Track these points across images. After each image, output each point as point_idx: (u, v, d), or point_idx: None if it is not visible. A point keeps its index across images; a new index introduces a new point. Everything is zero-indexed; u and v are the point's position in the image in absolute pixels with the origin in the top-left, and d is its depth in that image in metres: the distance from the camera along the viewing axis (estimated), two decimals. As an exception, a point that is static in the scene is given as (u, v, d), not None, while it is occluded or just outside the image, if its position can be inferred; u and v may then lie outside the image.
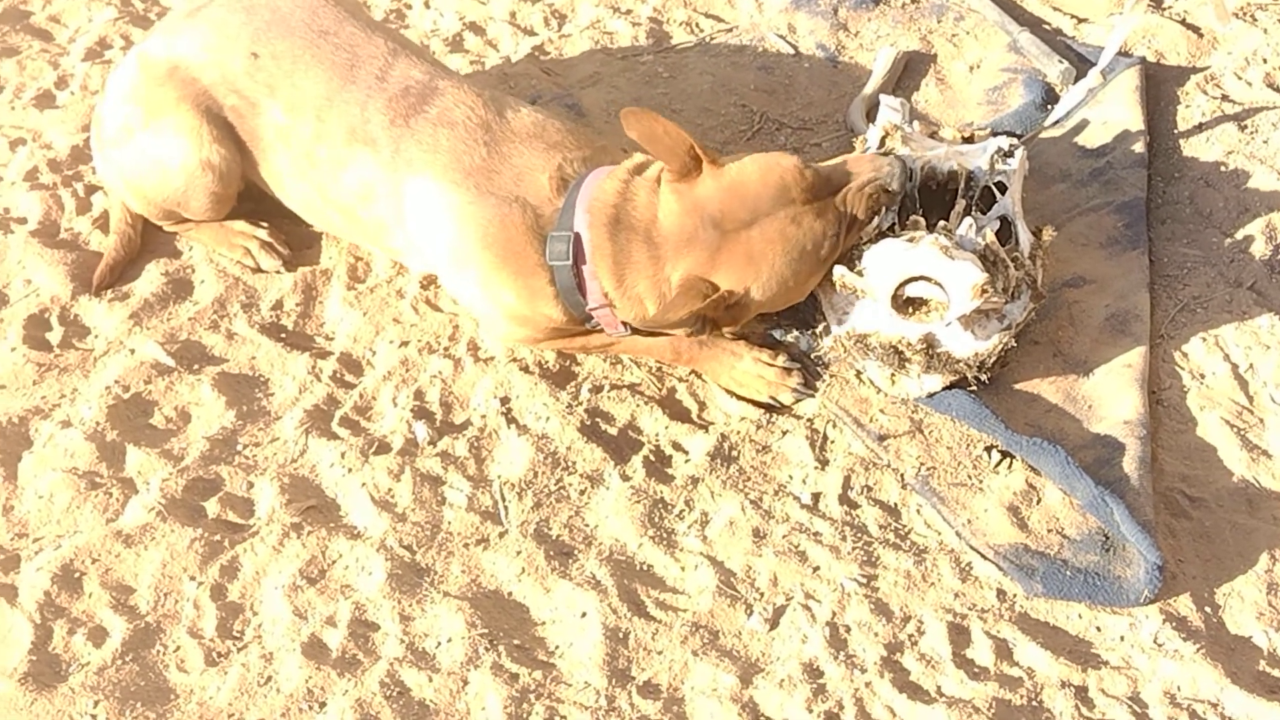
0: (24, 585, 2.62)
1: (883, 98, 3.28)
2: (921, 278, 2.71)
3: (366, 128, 2.88)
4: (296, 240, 3.25)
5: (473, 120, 2.86)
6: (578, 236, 2.73)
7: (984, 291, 2.67)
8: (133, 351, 3.02)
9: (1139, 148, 3.34)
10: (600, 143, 2.95)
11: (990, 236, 2.79)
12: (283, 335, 3.08)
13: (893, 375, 2.80)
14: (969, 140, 3.16)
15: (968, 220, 2.81)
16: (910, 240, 2.74)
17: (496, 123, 2.87)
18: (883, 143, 3.12)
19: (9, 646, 2.55)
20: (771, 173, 2.68)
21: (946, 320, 2.71)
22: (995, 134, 3.25)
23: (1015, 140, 3.15)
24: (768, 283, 2.68)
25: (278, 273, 3.19)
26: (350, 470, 2.81)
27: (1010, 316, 2.77)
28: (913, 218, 2.83)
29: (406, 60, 2.97)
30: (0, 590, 2.62)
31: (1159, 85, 3.55)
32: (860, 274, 2.75)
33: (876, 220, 2.77)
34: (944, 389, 2.80)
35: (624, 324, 2.81)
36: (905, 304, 2.75)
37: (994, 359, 2.78)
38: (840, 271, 2.77)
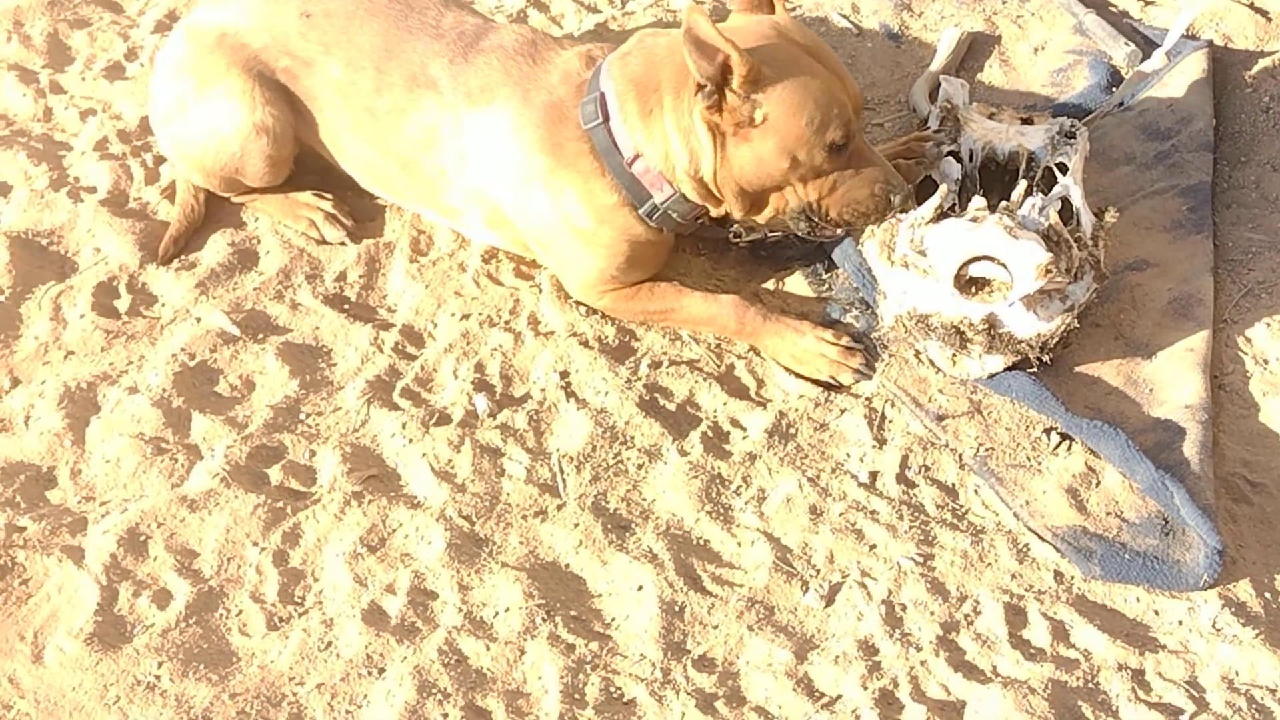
0: (91, 547, 2.67)
1: (943, 79, 3.28)
2: (985, 257, 2.70)
3: (427, 71, 2.93)
4: (360, 213, 3.28)
5: (521, 40, 2.95)
6: (603, 94, 2.79)
7: (1048, 271, 2.66)
8: (199, 320, 3.06)
9: (1205, 131, 3.31)
10: None
11: (1054, 216, 2.78)
12: (346, 306, 3.11)
13: (954, 355, 2.80)
14: (1028, 122, 3.15)
15: (1030, 200, 2.80)
16: (973, 220, 2.74)
17: (542, 40, 2.97)
18: (943, 123, 3.12)
19: (75, 607, 2.59)
20: (843, 68, 2.76)
21: (1010, 300, 2.70)
22: (1055, 116, 3.23)
23: (1076, 121, 3.13)
24: (786, 92, 2.65)
25: (342, 244, 3.22)
26: (411, 441, 2.84)
27: (1073, 297, 2.76)
28: (974, 198, 2.82)
29: (458, 10, 3.06)
30: (68, 552, 2.66)
31: (1226, 69, 3.52)
32: (923, 253, 2.75)
33: (938, 200, 2.77)
34: (1005, 370, 2.80)
35: (668, 183, 2.82)
36: (968, 284, 2.75)
37: (1056, 340, 2.77)
38: (903, 250, 2.76)
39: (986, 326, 2.74)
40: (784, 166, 2.72)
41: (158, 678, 2.50)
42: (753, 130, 2.69)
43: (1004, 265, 2.69)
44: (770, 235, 3.10)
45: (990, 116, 3.16)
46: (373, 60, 2.98)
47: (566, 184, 2.86)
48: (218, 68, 3.06)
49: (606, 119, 2.80)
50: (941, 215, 2.78)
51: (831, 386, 2.91)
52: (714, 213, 2.90)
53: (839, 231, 2.87)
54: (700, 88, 2.66)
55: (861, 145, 2.76)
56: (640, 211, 2.87)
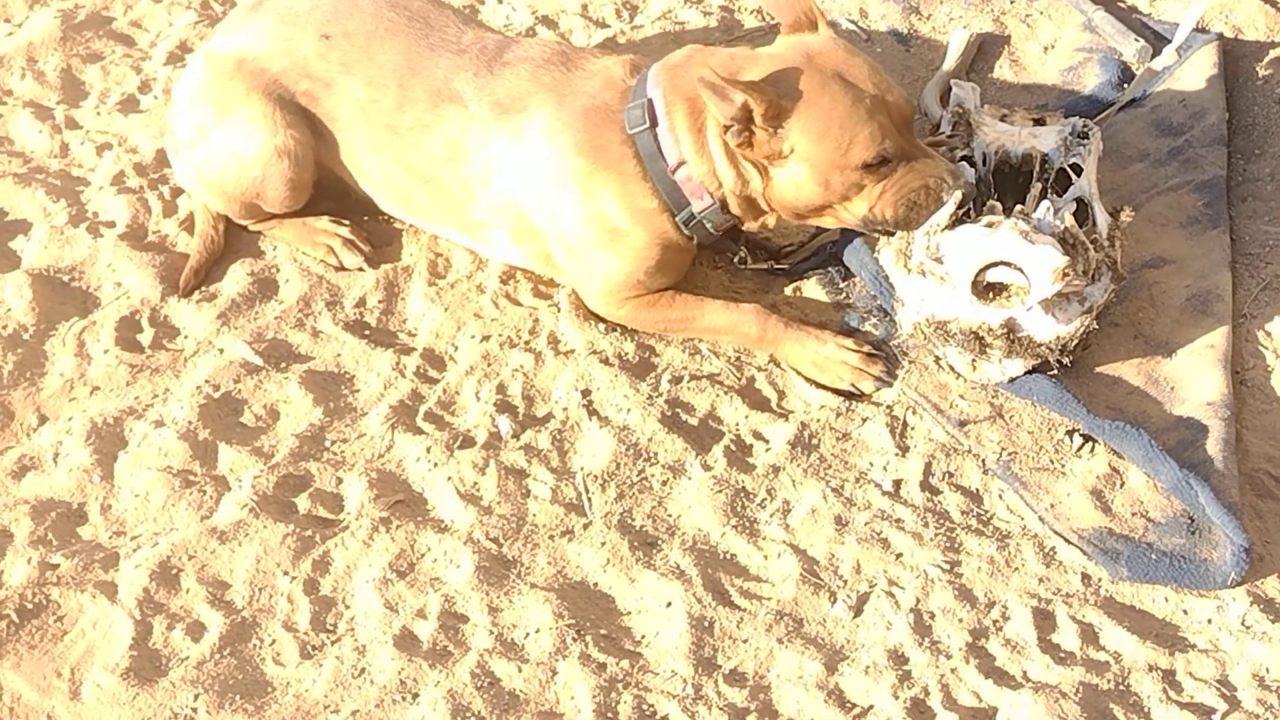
0: (123, 582, 2.69)
1: (954, 82, 3.28)
2: (1001, 263, 2.71)
3: (451, 86, 2.97)
4: (377, 237, 3.30)
5: (549, 50, 3.00)
6: (650, 101, 2.83)
7: (1065, 275, 2.66)
8: (221, 351, 3.09)
9: (1218, 125, 3.31)
10: None
11: (1069, 219, 2.78)
12: (367, 332, 3.13)
13: (974, 361, 2.80)
14: (1040, 123, 3.15)
15: (1045, 203, 2.81)
16: (988, 225, 2.74)
17: (571, 50, 3.03)
18: (955, 128, 3.12)
19: (110, 642, 2.62)
20: (885, 76, 2.76)
21: (1028, 305, 2.71)
22: (1067, 115, 3.23)
23: (1089, 121, 3.13)
24: (812, 124, 2.69)
25: (360, 270, 3.24)
26: (436, 465, 2.86)
27: (1091, 299, 2.76)
28: (989, 203, 2.82)
29: (478, 27, 3.11)
30: (101, 587, 2.68)
31: (1237, 61, 3.51)
32: (939, 261, 2.75)
33: (950, 207, 2.76)
34: (1025, 373, 2.80)
35: (709, 194, 2.85)
36: (985, 289, 2.75)
37: (1076, 341, 2.77)
38: (919, 258, 2.77)
39: (1005, 331, 2.74)
40: (821, 190, 2.77)
41: (194, 710, 2.52)
42: (786, 160, 2.75)
43: (1020, 270, 2.70)
44: (778, 266, 3.12)
45: (1002, 119, 3.16)
46: (395, 78, 3.01)
47: (605, 186, 2.88)
48: (238, 93, 3.09)
49: (653, 125, 2.83)
50: (957, 221, 2.78)
51: (852, 396, 2.92)
52: (749, 226, 2.96)
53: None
54: (727, 128, 2.73)
55: (910, 150, 2.76)
56: (677, 219, 2.90)
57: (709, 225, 2.91)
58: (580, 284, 3.06)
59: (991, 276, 2.74)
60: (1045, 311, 2.72)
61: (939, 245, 2.76)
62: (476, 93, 2.96)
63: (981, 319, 2.75)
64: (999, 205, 2.81)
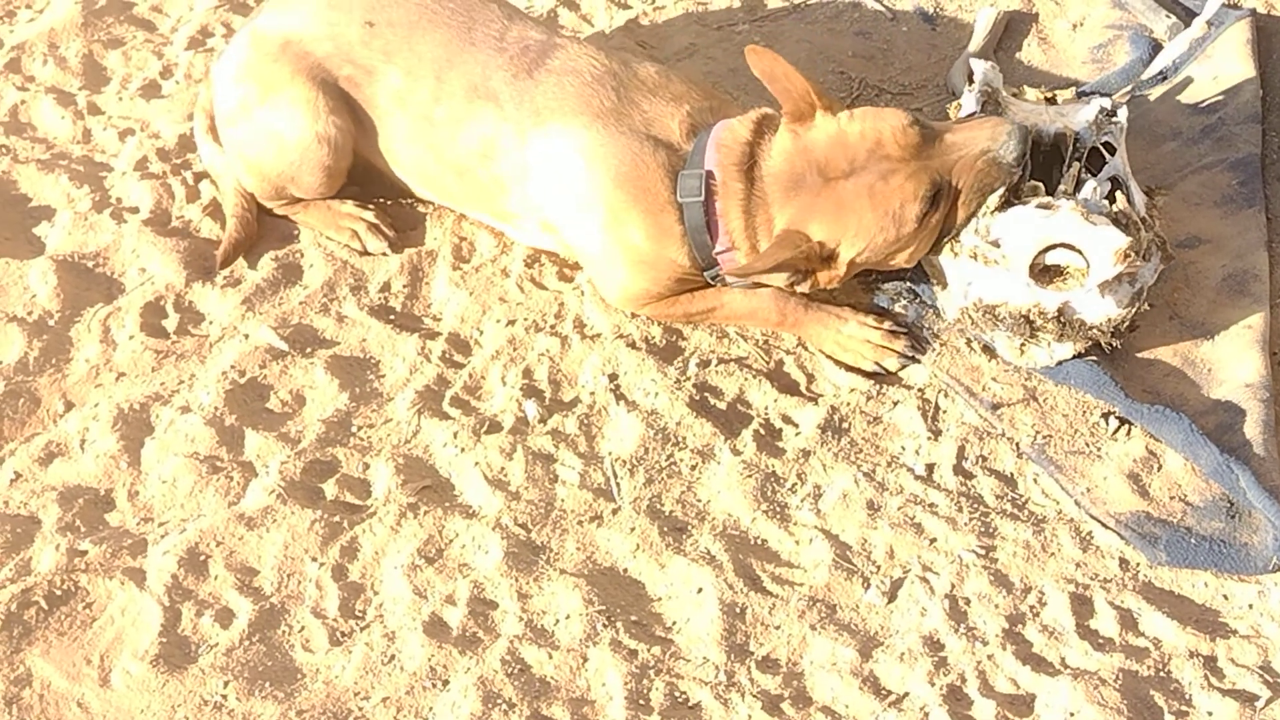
0: (152, 569, 2.68)
1: (973, 61, 3.23)
2: (1060, 244, 2.66)
3: (488, 84, 2.94)
4: (401, 222, 3.27)
5: (598, 68, 2.92)
6: (709, 174, 2.77)
7: (1127, 256, 2.62)
8: (247, 336, 3.07)
9: (1252, 102, 3.27)
10: (723, 96, 3.03)
11: (1122, 200, 2.74)
12: (391, 317, 3.11)
13: (1022, 345, 2.75)
14: (1050, 101, 3.10)
15: (1091, 183, 2.76)
16: (1045, 207, 2.69)
17: (622, 71, 2.94)
18: (983, 108, 3.08)
19: (139, 629, 2.60)
20: (873, 126, 2.69)
21: (1087, 287, 2.66)
22: (1083, 93, 3.18)
23: (1117, 99, 3.08)
24: (855, 238, 2.69)
25: (384, 254, 3.21)
26: (463, 450, 2.84)
27: (1142, 279, 2.71)
28: (1029, 183, 2.77)
29: (522, 23, 3.05)
30: (129, 574, 2.67)
31: (1270, 37, 3.47)
32: (995, 244, 2.70)
33: (1001, 189, 2.71)
34: (1073, 356, 2.75)
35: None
36: (1041, 272, 2.70)
37: (1127, 323, 2.72)
38: (973, 242, 2.72)
39: (1057, 314, 2.69)
40: (905, 258, 2.77)
41: (224, 697, 2.50)
42: (860, 265, 2.77)
43: (1079, 252, 2.64)
44: None
45: (1014, 96, 3.10)
46: (433, 69, 2.98)
47: (635, 224, 2.85)
48: (282, 75, 3.07)
49: (709, 199, 2.78)
50: (1007, 203, 2.72)
51: (880, 377, 2.89)
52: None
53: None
54: (793, 285, 2.76)
55: (943, 154, 2.68)
56: (705, 273, 2.89)
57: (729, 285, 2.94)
58: (600, 287, 3.04)
59: (1049, 259, 2.69)
60: (1100, 294, 2.67)
61: (990, 228, 2.70)
62: (514, 95, 2.92)
63: (1035, 302, 2.69)
64: (1041, 186, 2.75)
